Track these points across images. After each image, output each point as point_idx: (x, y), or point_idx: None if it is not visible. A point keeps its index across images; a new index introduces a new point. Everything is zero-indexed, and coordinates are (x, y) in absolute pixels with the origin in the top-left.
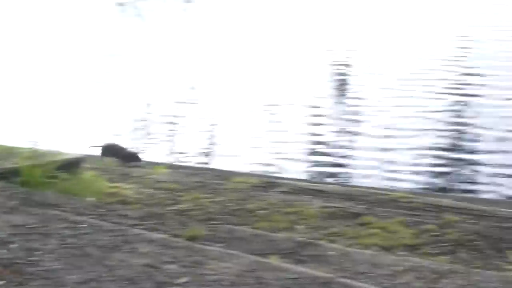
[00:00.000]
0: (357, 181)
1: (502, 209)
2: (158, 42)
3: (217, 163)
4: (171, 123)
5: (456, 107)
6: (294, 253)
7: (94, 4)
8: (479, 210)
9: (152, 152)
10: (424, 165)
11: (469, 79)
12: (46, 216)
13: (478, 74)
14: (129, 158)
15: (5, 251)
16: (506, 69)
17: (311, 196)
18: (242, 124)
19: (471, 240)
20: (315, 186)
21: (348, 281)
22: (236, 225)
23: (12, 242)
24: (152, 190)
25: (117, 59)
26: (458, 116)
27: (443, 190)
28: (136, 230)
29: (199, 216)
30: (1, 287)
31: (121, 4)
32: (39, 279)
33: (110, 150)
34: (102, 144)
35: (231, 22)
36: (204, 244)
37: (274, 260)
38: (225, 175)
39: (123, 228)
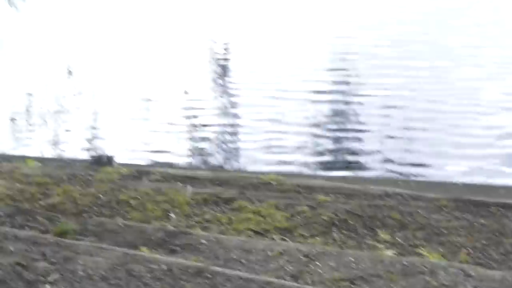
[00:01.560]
0: (231, 165)
1: (372, 187)
2: (35, 31)
3: (94, 154)
4: (49, 114)
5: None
6: (166, 243)
7: None
8: (350, 189)
9: (29, 144)
10: (299, 148)
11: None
12: None
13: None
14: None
15: None
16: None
17: (183, 183)
18: (121, 113)
19: (344, 220)
20: (186, 172)
21: (221, 269)
22: (107, 217)
23: None
24: (22, 185)
25: None
26: (336, 98)
27: (318, 170)
28: (3, 228)
29: (70, 210)
30: None
31: None
32: None
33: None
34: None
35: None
36: (74, 239)
37: (145, 252)
38: (96, 166)
39: None
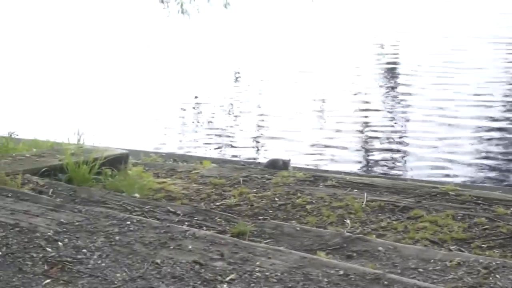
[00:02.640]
0: (407, 174)
1: None
2: (203, 38)
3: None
4: (219, 117)
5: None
6: (342, 248)
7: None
8: None
9: (200, 146)
10: (476, 156)
11: None
12: (92, 213)
13: None
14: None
15: (52, 249)
16: None
17: (358, 190)
18: (291, 116)
19: None
20: (362, 179)
21: (398, 277)
22: (283, 220)
23: (59, 240)
24: (199, 185)
25: (161, 55)
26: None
27: (496, 182)
28: (182, 227)
29: (245, 212)
30: (48, 285)
31: (163, 1)
32: (86, 277)
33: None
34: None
35: (274, 15)
36: (251, 241)
37: (322, 256)
38: (271, 169)
39: (170, 224)
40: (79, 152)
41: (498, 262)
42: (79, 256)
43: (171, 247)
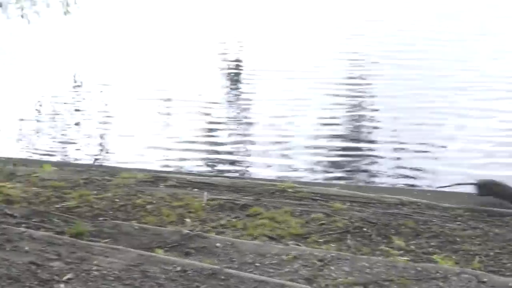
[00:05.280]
0: (247, 173)
1: (387, 196)
2: (43, 42)
3: (105, 159)
4: (60, 120)
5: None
6: (181, 245)
7: None
8: (365, 197)
9: (40, 150)
10: (314, 154)
11: (364, 70)
12: None
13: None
14: None
15: None
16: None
17: (198, 189)
18: (133, 118)
19: (358, 227)
20: (202, 179)
21: (235, 271)
22: (123, 220)
23: None
24: (38, 188)
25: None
26: (352, 107)
27: (334, 179)
28: (19, 229)
29: (85, 213)
30: None
31: (1, 5)
32: None
33: (488, 188)
34: (477, 181)
35: (118, 19)
36: (89, 241)
37: (160, 254)
38: (112, 171)
39: (6, 226)
40: None
41: (332, 254)
42: None
43: (7, 249)
